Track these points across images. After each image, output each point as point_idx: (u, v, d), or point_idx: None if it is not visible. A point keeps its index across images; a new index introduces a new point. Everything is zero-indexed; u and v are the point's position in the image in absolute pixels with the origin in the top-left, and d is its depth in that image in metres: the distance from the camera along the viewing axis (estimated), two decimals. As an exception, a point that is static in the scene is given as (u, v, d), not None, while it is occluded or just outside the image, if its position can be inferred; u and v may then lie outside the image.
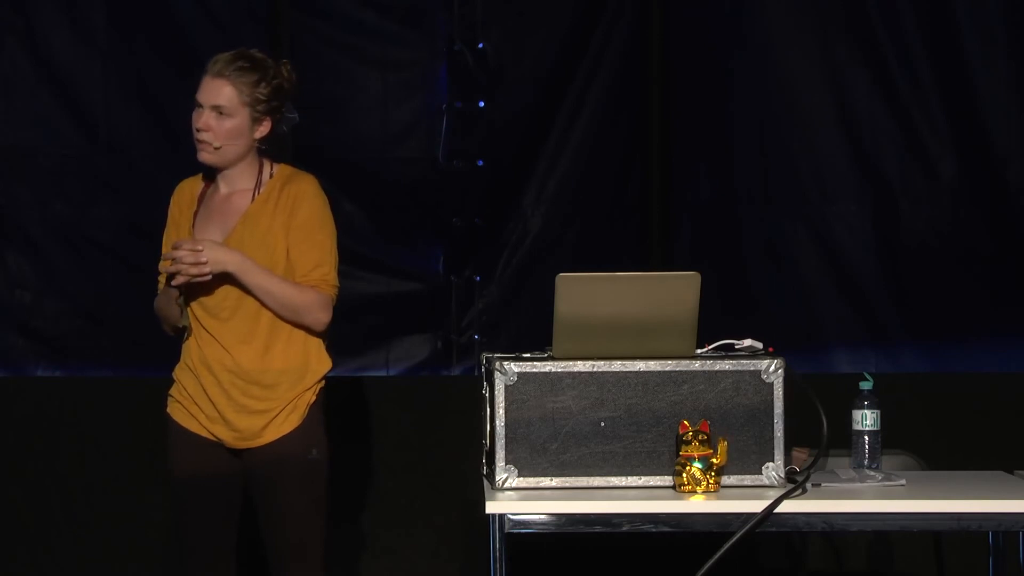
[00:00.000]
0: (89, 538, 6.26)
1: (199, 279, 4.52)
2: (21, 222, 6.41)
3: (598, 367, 4.25)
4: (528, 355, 4.36)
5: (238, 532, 4.70)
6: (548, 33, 6.50)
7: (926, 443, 5.67)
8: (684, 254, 6.47)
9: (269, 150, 4.71)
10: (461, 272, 6.51)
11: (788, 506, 4.07)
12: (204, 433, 4.63)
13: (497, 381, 4.23)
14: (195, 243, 4.52)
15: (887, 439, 4.59)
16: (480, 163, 6.49)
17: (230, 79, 4.58)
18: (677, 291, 4.25)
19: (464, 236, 6.49)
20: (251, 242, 4.59)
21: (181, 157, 6.42)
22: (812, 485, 4.24)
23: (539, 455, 4.23)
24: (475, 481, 4.50)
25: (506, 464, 4.23)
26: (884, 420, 4.55)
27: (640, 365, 4.26)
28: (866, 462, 4.52)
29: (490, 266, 6.50)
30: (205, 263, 4.49)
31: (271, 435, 4.60)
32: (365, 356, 6.46)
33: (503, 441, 4.23)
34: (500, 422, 4.23)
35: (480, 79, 6.48)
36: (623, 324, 4.24)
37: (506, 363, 4.24)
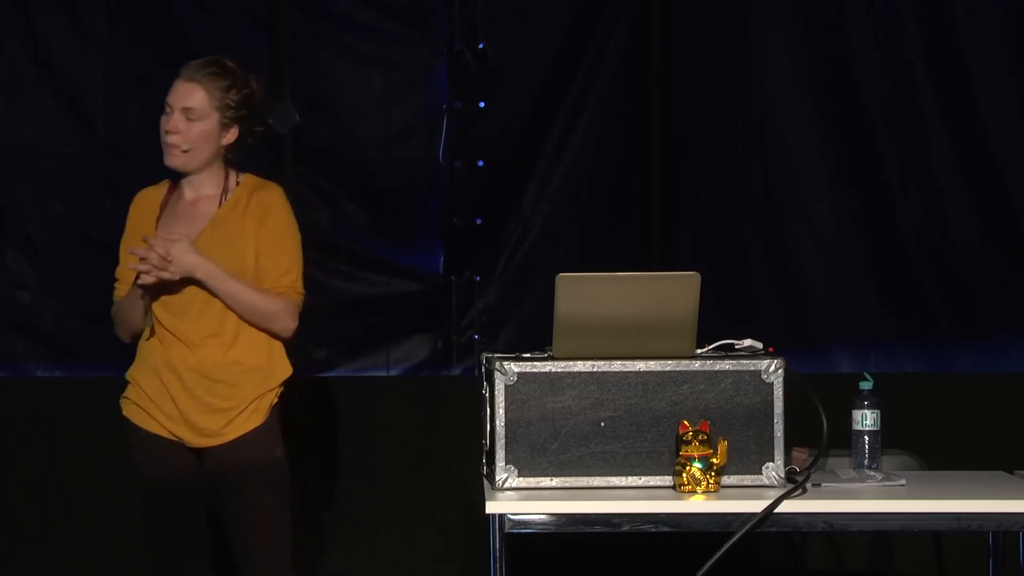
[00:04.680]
0: (89, 538, 6.26)
1: (166, 280, 4.54)
2: (21, 222, 6.41)
3: (598, 367, 4.25)
4: (528, 355, 4.36)
5: (209, 530, 4.73)
6: (548, 33, 6.50)
7: (926, 443, 5.67)
8: (684, 254, 6.47)
9: (235, 159, 4.74)
10: (461, 272, 6.51)
11: (788, 506, 4.07)
12: (164, 433, 4.66)
13: (497, 381, 4.23)
14: (168, 244, 4.53)
15: (887, 439, 4.59)
16: (480, 163, 6.49)
17: (201, 83, 4.65)
18: (677, 291, 4.25)
19: (464, 236, 6.49)
20: (220, 245, 4.62)
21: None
22: (812, 485, 4.24)
23: (539, 455, 4.23)
24: (475, 481, 4.50)
25: (506, 464, 4.23)
26: (884, 420, 4.55)
27: (640, 365, 4.26)
28: (866, 462, 4.52)
29: (490, 266, 6.50)
30: (173, 268, 4.52)
31: (233, 433, 4.63)
32: (365, 356, 6.46)
33: (503, 441, 4.23)
34: (500, 422, 4.23)
35: (480, 79, 6.48)
36: (623, 324, 4.24)
37: (506, 363, 4.24)
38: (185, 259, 4.55)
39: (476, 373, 5.34)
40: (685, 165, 6.53)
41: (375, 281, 6.45)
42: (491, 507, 4.06)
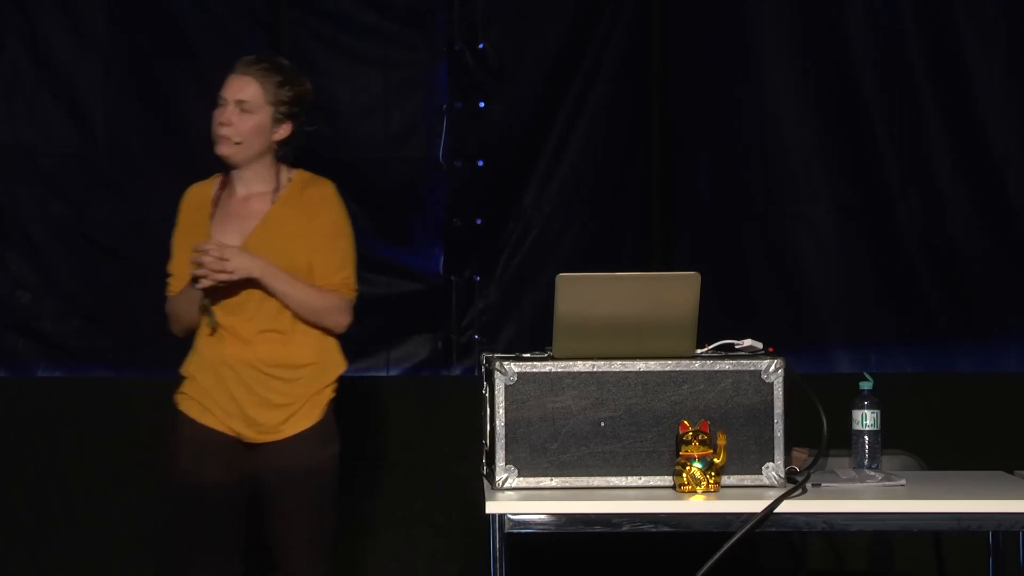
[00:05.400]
0: (89, 538, 6.25)
1: (223, 282, 4.58)
2: (21, 222, 6.41)
3: (598, 367, 4.25)
4: (528, 355, 4.36)
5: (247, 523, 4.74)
6: (548, 33, 6.50)
7: (926, 443, 5.67)
8: (684, 254, 6.47)
9: (287, 156, 4.75)
10: (461, 272, 6.51)
11: (788, 506, 4.07)
12: (221, 428, 4.68)
13: (497, 381, 4.23)
14: (222, 249, 4.56)
15: (887, 439, 4.59)
16: (480, 163, 6.49)
17: (256, 76, 4.70)
18: (677, 291, 4.25)
19: (464, 236, 6.49)
20: (271, 245, 4.65)
21: (181, 157, 6.44)
22: (812, 485, 4.23)
23: (539, 455, 4.23)
24: (475, 481, 4.50)
25: (506, 464, 4.23)
26: (884, 420, 4.55)
27: (640, 365, 4.26)
28: (866, 462, 4.52)
29: (490, 266, 6.50)
30: (232, 272, 4.57)
31: (291, 430, 4.66)
32: (365, 356, 6.45)
33: (503, 441, 4.23)
34: (500, 422, 4.23)
35: (480, 79, 6.48)
36: (623, 324, 4.24)
37: (506, 363, 4.24)
38: (242, 261, 4.58)
39: (476, 373, 5.33)
40: (685, 165, 6.53)
41: (375, 281, 6.45)
42: (491, 507, 4.06)
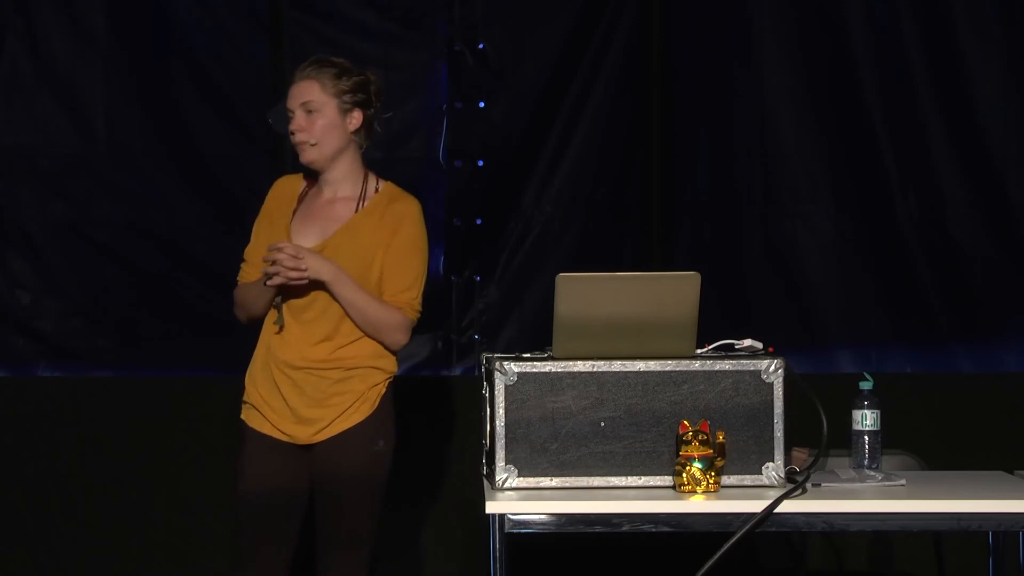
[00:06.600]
0: (89, 538, 6.26)
1: (295, 283, 4.60)
2: (21, 222, 6.41)
3: (598, 367, 4.25)
4: (528, 355, 4.36)
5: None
6: (548, 33, 6.50)
7: (926, 443, 5.68)
8: (684, 254, 6.47)
9: (369, 149, 4.81)
10: (461, 272, 6.51)
11: (788, 506, 4.07)
12: (276, 434, 4.70)
13: (497, 381, 4.23)
14: (298, 250, 4.58)
15: (887, 439, 4.59)
16: (480, 163, 6.49)
17: (313, 76, 4.74)
18: (677, 291, 4.25)
19: (464, 236, 6.49)
20: (348, 252, 4.67)
21: (181, 157, 6.44)
22: (812, 485, 4.23)
23: (539, 455, 4.23)
24: (475, 481, 4.50)
25: (506, 464, 4.23)
26: (884, 420, 4.55)
27: (640, 365, 4.25)
28: (866, 462, 4.52)
29: (490, 266, 6.51)
30: (305, 270, 4.58)
31: (340, 426, 4.68)
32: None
33: (503, 441, 4.23)
34: (500, 422, 4.23)
35: (480, 79, 6.48)
36: (623, 324, 4.24)
37: (506, 363, 4.24)
38: (315, 263, 4.61)
39: (476, 373, 5.33)
40: (685, 165, 6.53)
41: (375, 281, 6.45)
42: (491, 507, 4.06)
